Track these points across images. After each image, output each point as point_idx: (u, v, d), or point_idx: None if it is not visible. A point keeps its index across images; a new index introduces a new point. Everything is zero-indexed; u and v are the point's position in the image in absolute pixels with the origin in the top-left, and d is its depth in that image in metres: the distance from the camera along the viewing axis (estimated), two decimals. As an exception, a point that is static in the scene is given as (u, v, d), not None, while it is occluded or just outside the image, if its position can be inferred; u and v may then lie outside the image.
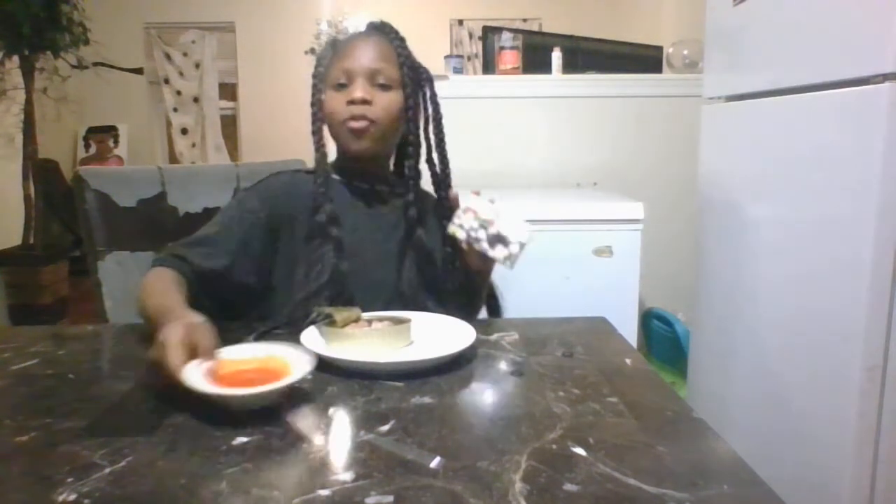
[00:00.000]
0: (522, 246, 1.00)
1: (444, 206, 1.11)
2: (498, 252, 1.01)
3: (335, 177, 1.12)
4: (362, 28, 1.13)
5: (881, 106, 1.10)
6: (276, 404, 0.70)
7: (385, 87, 1.07)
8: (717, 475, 0.59)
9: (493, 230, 1.01)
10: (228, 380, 0.70)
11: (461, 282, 1.10)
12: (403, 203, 1.11)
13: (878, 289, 1.12)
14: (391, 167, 1.21)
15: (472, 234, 1.02)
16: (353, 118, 1.05)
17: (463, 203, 1.05)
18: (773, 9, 1.45)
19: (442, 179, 1.14)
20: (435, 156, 1.14)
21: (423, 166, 1.14)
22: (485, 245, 1.02)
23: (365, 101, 1.05)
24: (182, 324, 0.74)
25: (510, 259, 1.01)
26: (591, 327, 1.04)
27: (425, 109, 1.13)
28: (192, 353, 0.71)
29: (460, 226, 1.03)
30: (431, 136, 1.13)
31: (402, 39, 1.11)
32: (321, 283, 1.01)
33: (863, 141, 1.14)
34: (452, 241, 1.05)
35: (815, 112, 1.29)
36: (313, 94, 1.09)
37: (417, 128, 1.12)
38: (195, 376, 0.68)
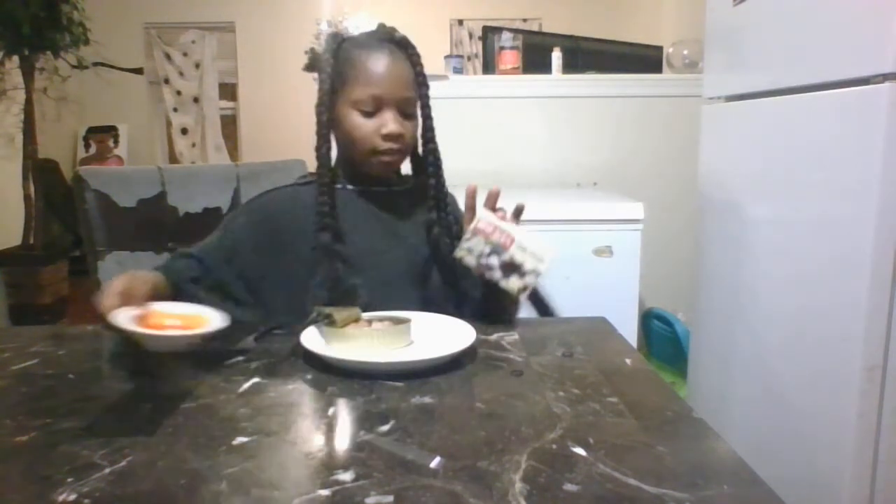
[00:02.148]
0: (539, 274, 0.89)
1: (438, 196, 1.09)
2: (512, 283, 0.88)
3: (350, 186, 1.09)
4: (370, 29, 1.08)
5: (881, 106, 1.10)
6: (187, 351, 0.80)
7: (410, 116, 1.05)
8: (717, 475, 0.59)
9: (506, 256, 0.89)
10: (152, 327, 0.78)
11: (484, 292, 1.03)
12: (426, 221, 1.07)
13: (878, 289, 1.12)
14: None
15: (483, 260, 0.90)
16: (387, 152, 1.03)
17: (474, 220, 0.93)
18: (773, 9, 1.45)
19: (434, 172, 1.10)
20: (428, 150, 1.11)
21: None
22: (497, 274, 0.90)
23: (400, 136, 1.03)
24: (127, 275, 0.85)
25: (525, 291, 0.89)
26: (591, 327, 1.04)
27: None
28: (130, 300, 0.79)
29: (468, 250, 0.90)
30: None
31: (419, 55, 1.07)
32: (335, 298, 0.97)
33: (863, 141, 1.14)
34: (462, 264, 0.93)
35: (815, 112, 1.29)
36: (320, 107, 1.03)
37: (433, 143, 1.09)
38: (122, 318, 0.75)
